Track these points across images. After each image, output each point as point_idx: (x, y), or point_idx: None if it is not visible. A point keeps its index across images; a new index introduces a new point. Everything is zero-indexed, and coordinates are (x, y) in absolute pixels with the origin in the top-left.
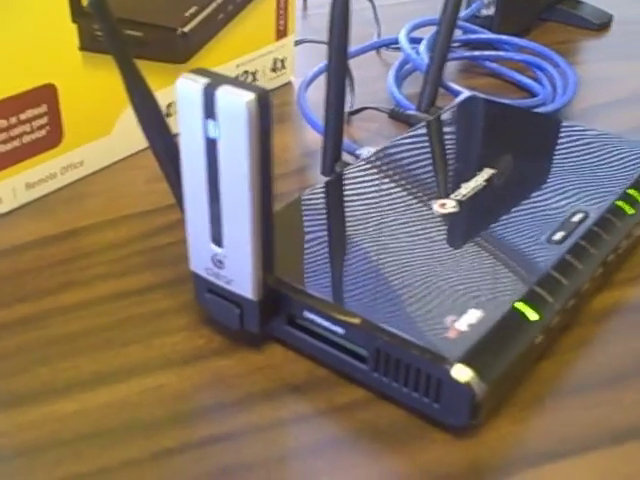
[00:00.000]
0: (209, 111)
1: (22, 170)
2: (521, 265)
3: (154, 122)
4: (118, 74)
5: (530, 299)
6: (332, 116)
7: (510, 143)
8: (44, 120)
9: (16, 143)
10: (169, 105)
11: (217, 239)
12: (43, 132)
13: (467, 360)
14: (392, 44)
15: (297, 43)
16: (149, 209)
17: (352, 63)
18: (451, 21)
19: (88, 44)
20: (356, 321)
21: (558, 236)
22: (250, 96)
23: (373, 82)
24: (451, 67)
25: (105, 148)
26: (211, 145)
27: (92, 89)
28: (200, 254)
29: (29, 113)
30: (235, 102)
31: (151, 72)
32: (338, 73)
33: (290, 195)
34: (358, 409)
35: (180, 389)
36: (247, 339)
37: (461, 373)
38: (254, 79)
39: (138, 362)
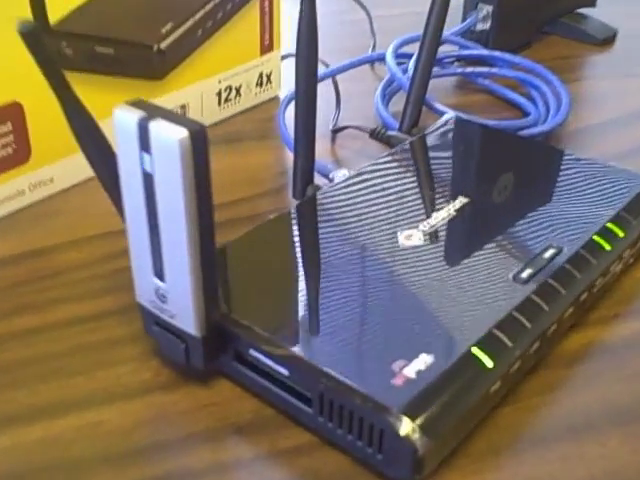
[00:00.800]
0: (144, 144)
1: None
2: (482, 305)
3: (99, 154)
4: (87, 90)
5: (487, 344)
6: (302, 137)
7: (490, 170)
8: (9, 138)
9: None
10: None
11: (159, 273)
12: (9, 150)
13: (411, 411)
14: (382, 59)
15: (284, 57)
16: (115, 230)
17: (342, 77)
18: (434, 37)
19: None
20: (299, 363)
21: (525, 274)
22: (182, 133)
23: (363, 97)
24: (444, 83)
25: (77, 165)
26: (148, 179)
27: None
28: (144, 287)
29: None
30: (167, 138)
31: (126, 88)
32: (307, 92)
33: (262, 217)
34: (302, 454)
35: (119, 426)
36: (195, 373)
37: (403, 425)
38: (238, 94)
39: (81, 395)
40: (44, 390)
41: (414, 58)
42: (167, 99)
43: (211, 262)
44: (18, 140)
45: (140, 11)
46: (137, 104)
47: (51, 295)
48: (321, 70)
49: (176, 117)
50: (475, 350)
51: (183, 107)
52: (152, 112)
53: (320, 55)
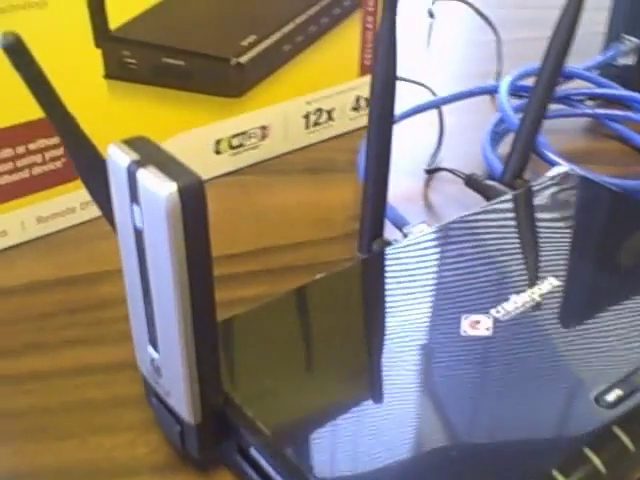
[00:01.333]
0: (134, 195)
1: (32, 203)
2: (544, 432)
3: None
4: (148, 104)
5: None
6: (372, 187)
7: (598, 245)
8: (59, 151)
9: (24, 174)
10: (218, 142)
11: (153, 342)
12: (58, 164)
13: None
14: (495, 92)
15: None
16: None
17: (450, 108)
18: (552, 73)
19: (114, 72)
20: (298, 477)
21: (612, 396)
22: (171, 188)
23: (474, 133)
24: (570, 124)
25: None
26: (138, 235)
27: (117, 119)
28: (142, 354)
29: (40, 143)
30: (154, 192)
31: (199, 104)
32: (380, 132)
33: (323, 267)
34: None
35: None
36: (196, 459)
37: None
38: (330, 118)
39: (63, 465)
40: (27, 451)
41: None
42: (245, 118)
43: (209, 337)
44: None
45: (218, 19)
46: (135, 143)
47: (69, 335)
48: (426, 99)
49: (171, 165)
50: None
51: (264, 128)
52: (146, 156)
53: (437, 78)
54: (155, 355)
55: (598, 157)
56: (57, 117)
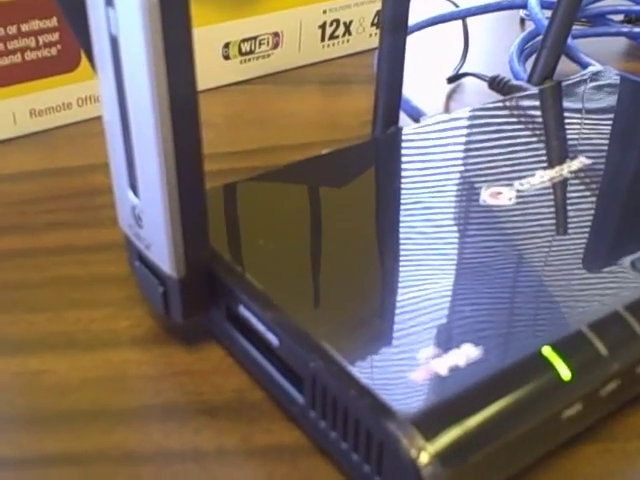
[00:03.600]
0: None
1: (24, 93)
2: (576, 295)
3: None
4: None
5: (569, 346)
6: (386, 64)
7: (634, 135)
8: (54, 36)
9: (15, 59)
10: (227, 45)
11: (133, 185)
12: (53, 51)
13: (427, 424)
14: (524, 7)
15: None
16: None
17: (479, 25)
18: None
19: None
20: (292, 330)
21: None
22: None
23: (500, 53)
24: (606, 45)
25: None
26: (114, 45)
27: None
28: (123, 205)
29: (33, 25)
30: None
31: (207, 1)
32: (394, 18)
33: None
34: (280, 458)
35: (62, 381)
36: (183, 332)
37: (412, 443)
38: (347, 32)
39: (34, 336)
40: None
41: None
42: (257, 22)
43: (194, 172)
44: (64, 40)
45: None
46: None
47: (53, 218)
48: (448, 9)
49: None
50: (547, 351)
51: (276, 35)
52: None
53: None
54: (135, 201)
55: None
56: None
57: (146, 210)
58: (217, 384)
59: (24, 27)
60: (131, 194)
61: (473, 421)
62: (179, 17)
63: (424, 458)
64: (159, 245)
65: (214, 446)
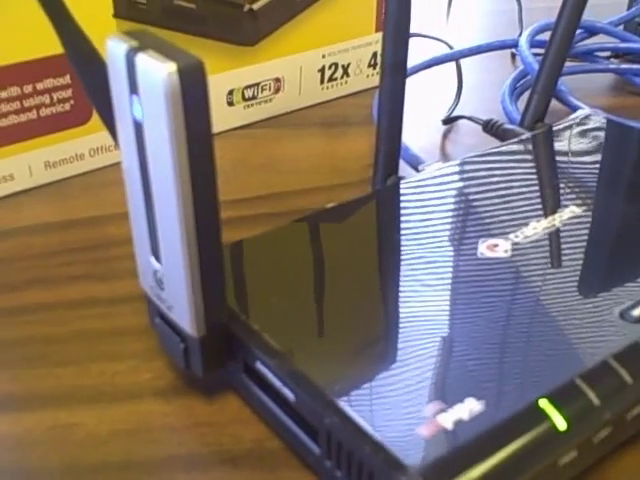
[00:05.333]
0: (133, 85)
1: (40, 147)
2: (568, 346)
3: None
4: None
5: (564, 397)
6: (386, 115)
7: (621, 180)
8: (67, 93)
9: (31, 115)
10: (231, 92)
11: (155, 251)
12: (66, 106)
13: (434, 475)
14: (515, 46)
15: None
16: None
17: (469, 66)
18: (573, 12)
19: (123, 11)
20: (307, 387)
21: (638, 311)
22: (170, 67)
23: (493, 91)
24: (593, 80)
25: None
26: (138, 129)
27: None
28: (144, 267)
29: (48, 83)
30: (153, 74)
31: (210, 51)
32: (394, 65)
33: None
34: None
35: (93, 433)
36: (202, 383)
37: None
38: (345, 74)
39: (63, 390)
40: (25, 376)
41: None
42: (259, 69)
43: (213, 241)
44: (78, 96)
45: None
46: (134, 34)
47: (71, 271)
48: (443, 52)
49: (171, 50)
50: (544, 403)
51: (277, 80)
52: (145, 43)
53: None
54: (157, 266)
55: (621, 114)
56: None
57: (168, 275)
58: (237, 434)
59: (39, 85)
60: (153, 260)
61: (477, 471)
62: (199, 103)
63: None
64: (180, 307)
65: None
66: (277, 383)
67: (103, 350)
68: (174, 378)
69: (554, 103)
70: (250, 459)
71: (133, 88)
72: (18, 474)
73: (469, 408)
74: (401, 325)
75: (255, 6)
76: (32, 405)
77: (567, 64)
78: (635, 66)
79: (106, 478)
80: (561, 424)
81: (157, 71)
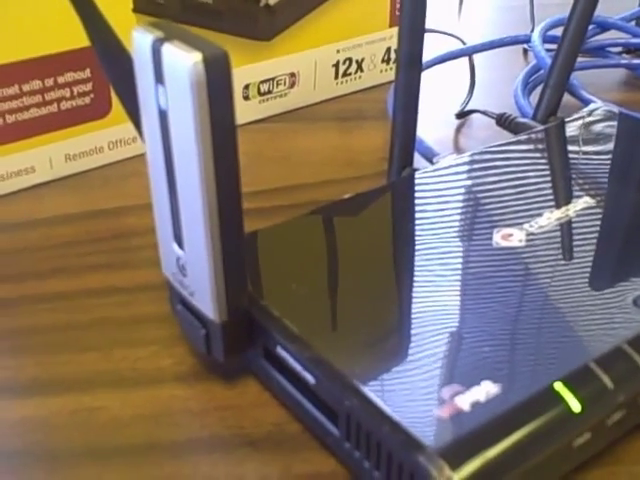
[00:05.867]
0: (158, 74)
1: (60, 140)
2: (583, 332)
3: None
4: None
5: (579, 381)
6: (401, 109)
7: (633, 172)
8: (87, 87)
9: (52, 108)
10: (247, 86)
11: (178, 238)
12: (86, 100)
13: (453, 455)
14: (527, 42)
15: None
16: None
17: (482, 61)
18: (585, 8)
19: (143, 6)
20: (327, 371)
21: None
22: (196, 57)
23: (506, 85)
24: (606, 76)
25: None
26: (163, 118)
27: None
28: (167, 255)
29: (68, 77)
30: (179, 64)
31: (226, 45)
32: (409, 60)
33: None
34: None
35: (115, 417)
36: (221, 369)
37: (439, 472)
38: (359, 69)
39: (86, 374)
40: (49, 362)
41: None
42: (274, 64)
43: (235, 227)
44: (97, 90)
45: None
46: (159, 24)
47: (93, 260)
48: (456, 47)
49: (196, 40)
50: (559, 386)
51: (293, 75)
52: (171, 33)
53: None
54: (180, 252)
55: (633, 108)
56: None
57: (190, 261)
58: (257, 417)
59: (60, 79)
60: (176, 247)
61: (493, 452)
62: (224, 92)
63: None
64: (202, 293)
65: (258, 476)
66: (297, 367)
67: (125, 337)
68: (195, 364)
69: (567, 97)
70: (270, 442)
71: (159, 78)
72: (43, 455)
73: (486, 390)
74: (418, 312)
75: (271, 1)
76: (56, 389)
77: (579, 59)
78: None
79: (129, 460)
80: (575, 406)
81: (183, 61)
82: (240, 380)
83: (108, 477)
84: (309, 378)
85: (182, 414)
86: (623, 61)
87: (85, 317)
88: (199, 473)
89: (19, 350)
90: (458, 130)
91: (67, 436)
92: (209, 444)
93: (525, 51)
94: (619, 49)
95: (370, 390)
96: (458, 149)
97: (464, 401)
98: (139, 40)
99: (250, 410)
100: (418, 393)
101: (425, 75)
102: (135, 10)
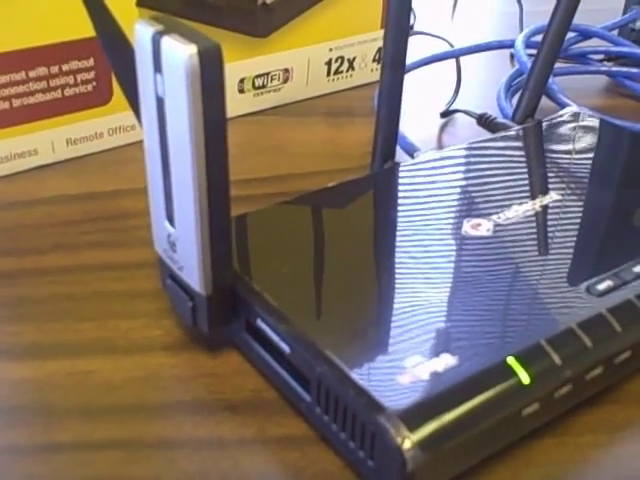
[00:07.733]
0: (157, 64)
1: (62, 124)
2: (538, 313)
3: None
4: None
5: (529, 356)
6: (385, 105)
7: (601, 171)
8: (90, 75)
9: (56, 94)
10: (242, 80)
11: (170, 216)
12: (89, 87)
13: (410, 417)
14: (512, 46)
15: (411, 34)
16: None
17: (468, 64)
18: (564, 15)
19: (146, 1)
20: (301, 341)
21: (603, 286)
22: (191, 50)
23: (490, 88)
24: (586, 82)
25: None
26: (160, 105)
27: None
28: (159, 231)
29: (73, 65)
30: (176, 55)
31: (223, 41)
32: (394, 60)
33: None
34: (290, 447)
35: (108, 380)
36: (206, 340)
37: (397, 432)
38: (351, 67)
39: (82, 341)
40: (48, 329)
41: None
42: (269, 59)
43: (221, 208)
44: (99, 78)
45: None
46: (160, 18)
47: (91, 238)
48: (444, 49)
49: (193, 34)
50: (511, 360)
51: (287, 71)
52: (170, 27)
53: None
54: (171, 230)
55: (612, 114)
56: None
57: (180, 238)
58: (237, 385)
59: (65, 67)
60: (167, 224)
61: (448, 416)
62: (216, 82)
63: (407, 445)
64: (190, 268)
65: (235, 436)
66: (275, 338)
67: (118, 309)
68: (182, 335)
69: (546, 102)
70: (248, 406)
71: (157, 67)
72: (40, 412)
73: (444, 362)
74: (390, 290)
75: (268, 0)
76: (54, 353)
77: (561, 65)
78: (626, 69)
79: (120, 418)
80: (525, 379)
81: (179, 52)
82: (223, 351)
83: (100, 433)
84: (285, 348)
85: (169, 379)
86: (603, 68)
87: (83, 290)
88: (183, 432)
89: (20, 318)
90: (442, 128)
91: (63, 395)
92: (193, 407)
93: (512, 55)
94: (600, 56)
95: (339, 358)
96: (441, 146)
97: (424, 370)
98: (141, 32)
99: (231, 378)
100: (383, 362)
101: (415, 75)
102: (139, 4)
